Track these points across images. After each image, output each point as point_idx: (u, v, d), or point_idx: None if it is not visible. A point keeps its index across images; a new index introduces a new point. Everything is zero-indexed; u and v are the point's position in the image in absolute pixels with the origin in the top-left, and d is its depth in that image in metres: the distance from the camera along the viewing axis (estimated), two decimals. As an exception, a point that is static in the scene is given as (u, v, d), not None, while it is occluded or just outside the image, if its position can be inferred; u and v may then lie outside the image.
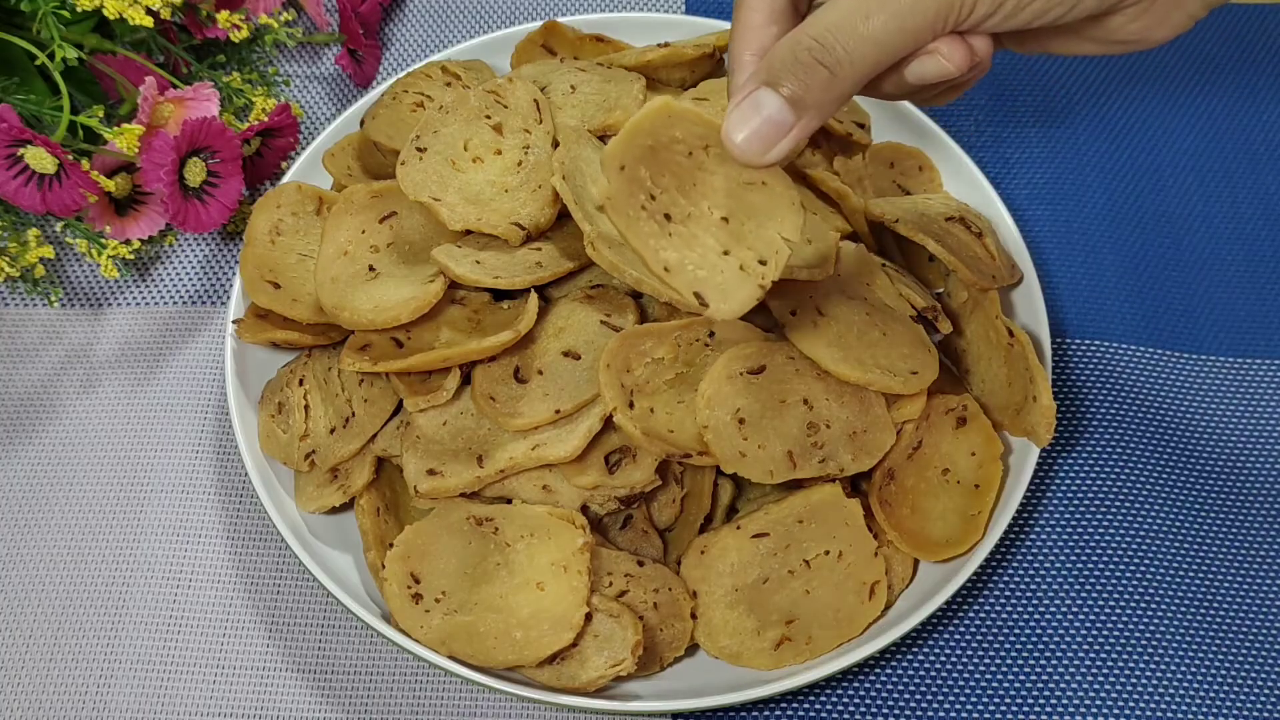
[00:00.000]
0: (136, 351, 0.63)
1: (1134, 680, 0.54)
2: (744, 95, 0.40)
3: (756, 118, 0.40)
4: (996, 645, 0.55)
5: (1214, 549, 0.57)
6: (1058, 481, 0.59)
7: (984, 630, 0.55)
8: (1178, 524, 0.58)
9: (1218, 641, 0.55)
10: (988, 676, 0.54)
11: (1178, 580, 0.56)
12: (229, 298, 0.62)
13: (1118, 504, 0.58)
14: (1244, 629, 0.55)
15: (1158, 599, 0.56)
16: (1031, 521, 0.58)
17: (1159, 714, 0.53)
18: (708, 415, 0.50)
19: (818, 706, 0.54)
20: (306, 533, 0.54)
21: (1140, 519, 0.58)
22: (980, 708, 0.53)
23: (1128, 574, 0.56)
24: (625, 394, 0.51)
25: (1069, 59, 0.73)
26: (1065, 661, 0.54)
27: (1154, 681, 0.54)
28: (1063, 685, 0.54)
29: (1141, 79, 0.73)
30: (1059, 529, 0.57)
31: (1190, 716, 0.53)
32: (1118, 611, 0.55)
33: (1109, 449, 0.59)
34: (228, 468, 0.60)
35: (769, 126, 0.40)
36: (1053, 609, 0.56)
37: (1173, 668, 0.54)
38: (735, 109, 0.40)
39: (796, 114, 0.40)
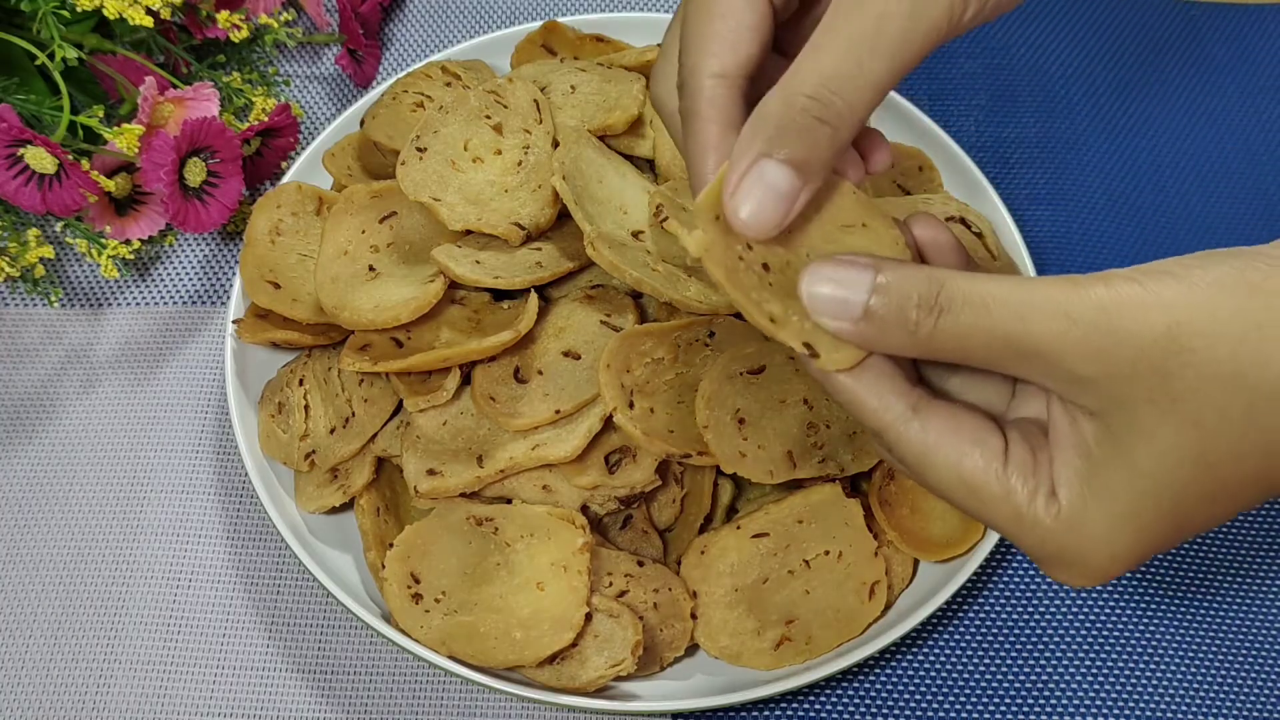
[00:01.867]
0: (136, 351, 0.63)
1: (1134, 680, 0.54)
2: (744, 170, 0.36)
3: (760, 190, 0.36)
4: (996, 645, 0.55)
5: (1214, 549, 0.57)
6: (1058, 481, 0.59)
7: (984, 630, 0.55)
8: (1178, 524, 0.58)
9: (1218, 641, 0.55)
10: (988, 676, 0.54)
11: (1178, 580, 0.56)
12: (229, 298, 0.62)
13: (1118, 504, 0.58)
14: (1244, 629, 0.55)
15: (1158, 599, 0.56)
16: (1031, 521, 0.58)
17: (1159, 714, 0.53)
18: (708, 415, 0.50)
19: (818, 706, 0.54)
20: (306, 533, 0.54)
21: (1140, 519, 0.58)
22: (980, 708, 0.53)
23: (1127, 574, 0.56)
24: (625, 394, 0.51)
25: (1069, 59, 0.73)
26: (1065, 661, 0.54)
27: (1154, 681, 0.54)
28: (1063, 685, 0.54)
29: (1141, 79, 0.73)
30: (1059, 529, 0.57)
31: (1190, 716, 0.53)
32: (1118, 611, 0.55)
33: (1109, 449, 0.59)
34: (228, 468, 0.60)
35: (777, 199, 0.36)
36: (1053, 609, 0.56)
37: (1173, 668, 0.54)
38: (738, 187, 0.36)
39: (803, 179, 0.36)
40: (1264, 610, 0.56)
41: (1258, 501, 0.35)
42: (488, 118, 0.57)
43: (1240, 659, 0.54)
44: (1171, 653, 0.54)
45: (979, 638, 0.55)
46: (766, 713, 0.54)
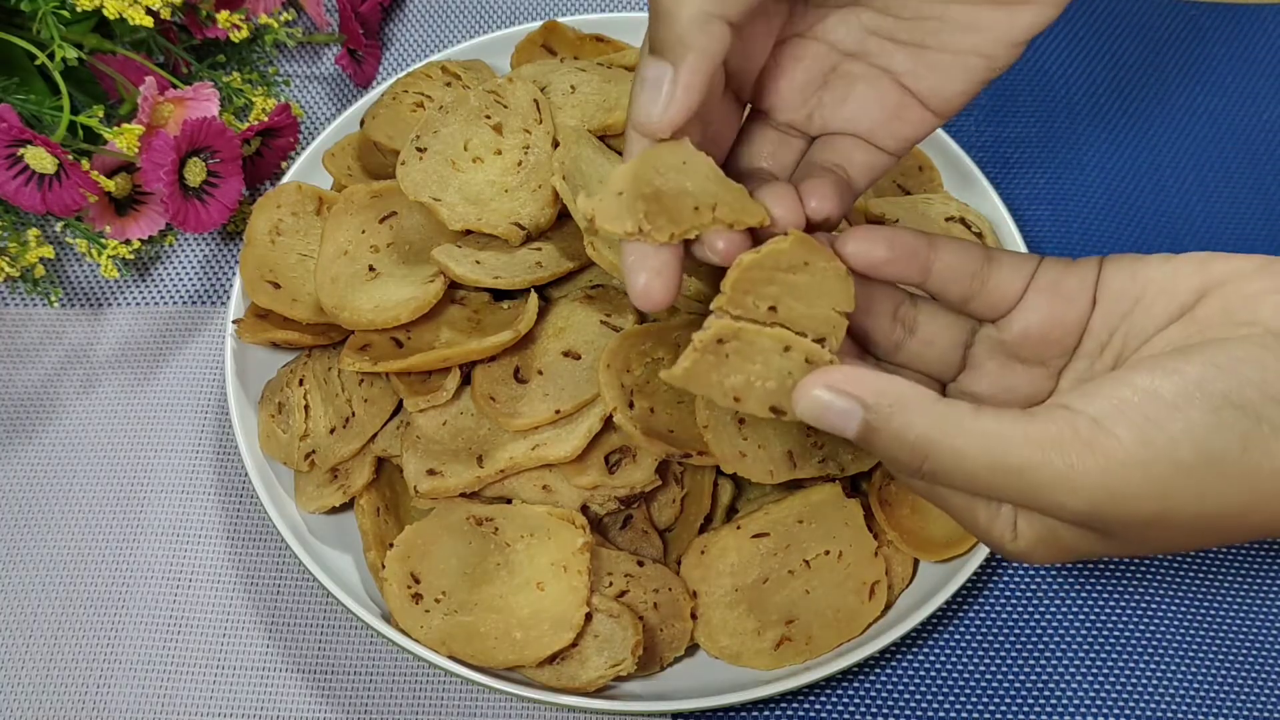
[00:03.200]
0: (136, 351, 0.63)
1: (1134, 680, 0.54)
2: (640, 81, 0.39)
3: (638, 88, 0.39)
4: (996, 645, 0.55)
5: (1214, 549, 0.57)
6: (1058, 481, 0.59)
7: (984, 630, 0.55)
8: (1178, 524, 0.58)
9: (1218, 641, 0.55)
10: (988, 676, 0.54)
11: (1178, 580, 0.56)
12: (229, 298, 0.62)
13: (1118, 504, 0.58)
14: (1244, 629, 0.55)
15: (1158, 599, 0.56)
16: (1031, 521, 0.58)
17: (1159, 714, 0.53)
18: (708, 415, 0.50)
19: (818, 706, 0.54)
20: (306, 533, 0.54)
21: (1140, 519, 0.58)
22: (980, 708, 0.53)
23: (1128, 575, 0.56)
24: (625, 394, 0.51)
25: (1069, 59, 0.73)
26: (1065, 661, 0.54)
27: (1154, 681, 0.54)
28: (1063, 685, 0.54)
29: (1141, 79, 0.73)
30: (1059, 529, 0.57)
31: (1190, 716, 0.53)
32: (1118, 611, 0.55)
33: (1109, 449, 0.59)
34: (228, 468, 0.60)
35: (652, 89, 0.38)
36: (1053, 609, 0.56)
37: (1173, 668, 0.54)
38: (635, 98, 0.39)
39: (666, 60, 0.38)
40: (1264, 610, 0.56)
41: None
42: (488, 118, 0.57)
43: (1240, 659, 0.54)
44: (1171, 653, 0.54)
45: (979, 638, 0.55)
46: (766, 713, 0.54)
